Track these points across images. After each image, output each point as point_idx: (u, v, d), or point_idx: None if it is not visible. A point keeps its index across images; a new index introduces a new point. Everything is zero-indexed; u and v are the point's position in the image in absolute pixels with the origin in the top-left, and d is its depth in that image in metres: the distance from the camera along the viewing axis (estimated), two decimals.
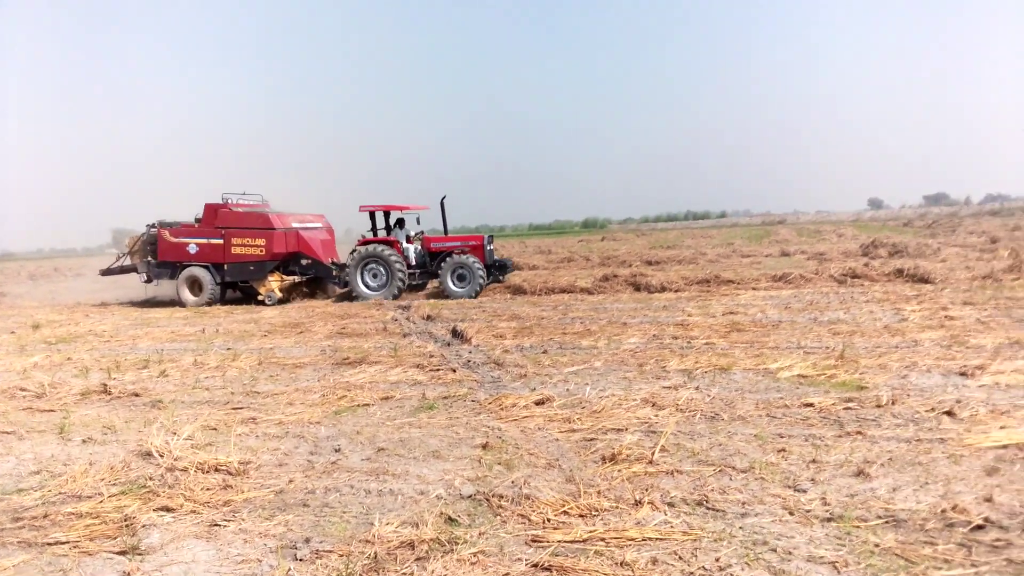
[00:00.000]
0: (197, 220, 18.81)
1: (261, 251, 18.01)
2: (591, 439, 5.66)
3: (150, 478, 5.18)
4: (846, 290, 14.45)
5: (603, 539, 3.88)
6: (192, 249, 18.37)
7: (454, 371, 8.44)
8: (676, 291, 15.80)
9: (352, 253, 17.65)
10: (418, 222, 18.76)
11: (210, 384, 8.41)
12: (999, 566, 3.41)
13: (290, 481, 5.03)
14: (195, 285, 18.38)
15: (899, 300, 12.46)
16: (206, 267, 18.28)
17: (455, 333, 11.24)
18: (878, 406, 6.10)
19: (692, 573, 3.49)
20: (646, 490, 4.53)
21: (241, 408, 7.18)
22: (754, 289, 15.34)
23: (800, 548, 3.68)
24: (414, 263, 18.05)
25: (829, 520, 3.99)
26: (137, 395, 7.99)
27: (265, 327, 13.20)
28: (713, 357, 8.44)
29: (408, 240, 18.41)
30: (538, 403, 6.74)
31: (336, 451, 5.67)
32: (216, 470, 5.29)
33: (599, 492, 4.54)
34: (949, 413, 5.79)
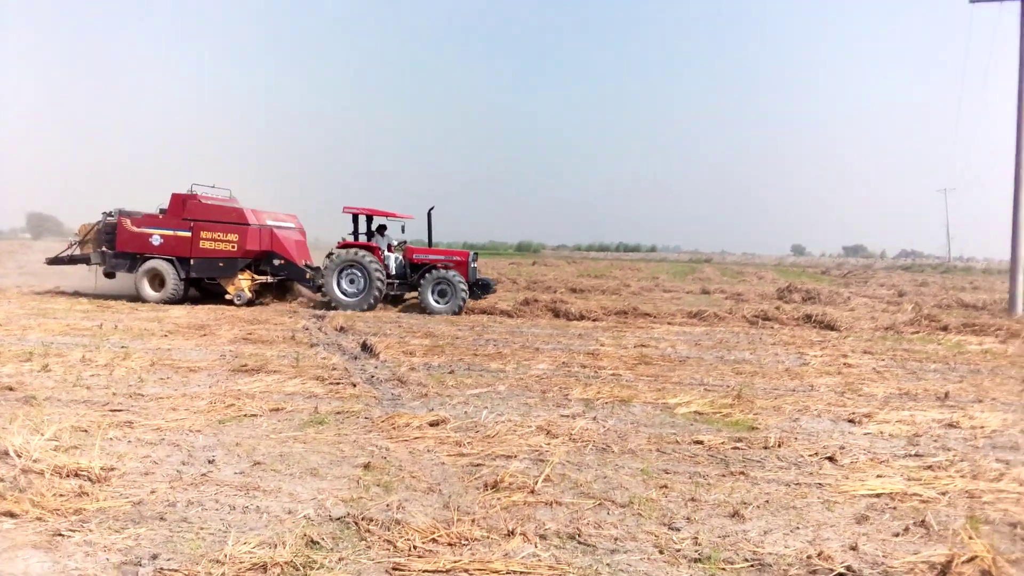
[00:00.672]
0: (161, 211, 17.69)
1: (233, 247, 17.10)
2: (478, 464, 5.55)
3: (0, 480, 4.82)
4: (756, 331, 14.80)
5: (467, 570, 3.76)
6: (155, 241, 17.31)
7: (354, 386, 8.22)
8: (594, 320, 15.91)
9: (329, 256, 16.88)
10: (403, 231, 18.04)
11: (93, 383, 7.97)
12: None
13: (152, 492, 4.75)
14: (156, 279, 17.35)
15: (804, 345, 12.80)
16: (170, 260, 17.26)
17: (364, 347, 11.01)
18: (765, 447, 6.18)
19: None
20: (522, 521, 4.44)
21: (120, 411, 6.81)
22: (669, 324, 15.56)
23: None
24: (394, 273, 17.45)
25: (697, 561, 3.97)
26: (11, 389, 7.50)
27: (168, 326, 12.68)
28: (616, 388, 8.46)
29: (389, 248, 17.78)
30: (432, 424, 6.59)
31: (209, 463, 5.39)
32: (75, 475, 4.96)
33: (474, 520, 4.42)
34: (831, 459, 5.89)
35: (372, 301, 16.64)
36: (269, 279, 17.87)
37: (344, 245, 17.08)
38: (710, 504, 4.83)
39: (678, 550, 4.10)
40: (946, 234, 78.46)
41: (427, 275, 16.90)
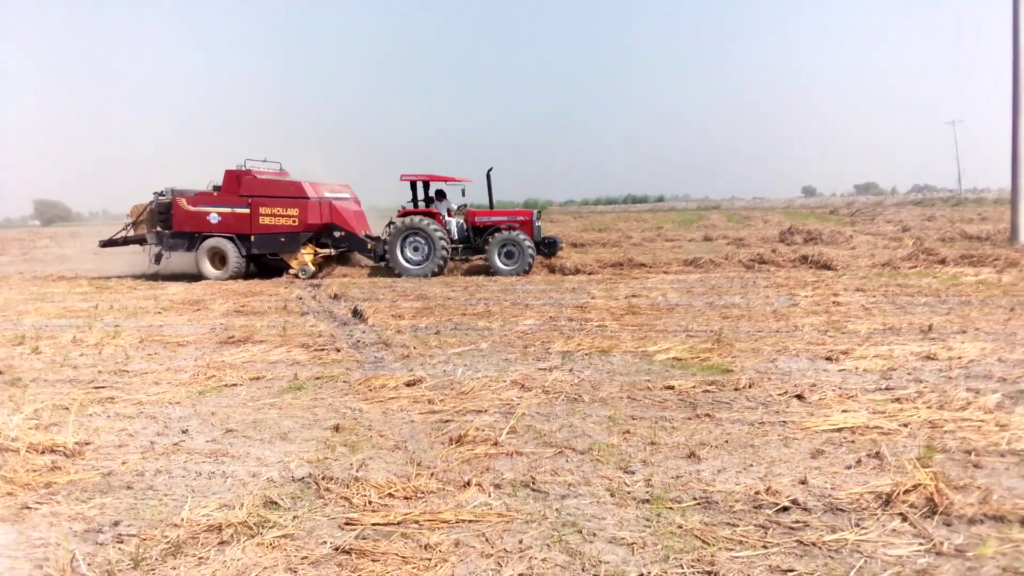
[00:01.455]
0: (215, 188, 17.60)
1: (294, 222, 16.89)
2: (447, 421, 5.63)
3: None
4: (751, 275, 14.76)
5: (417, 521, 3.85)
6: (214, 219, 17.14)
7: (338, 351, 8.32)
8: (589, 274, 15.92)
9: (389, 225, 16.80)
10: (463, 194, 17.78)
11: (80, 362, 8.11)
12: (788, 547, 3.49)
13: (123, 463, 4.87)
14: (217, 257, 17.22)
15: (797, 286, 12.76)
16: (230, 238, 17.09)
17: (355, 312, 11.10)
18: (736, 389, 6.22)
19: (491, 555, 3.48)
20: (480, 472, 4.52)
21: (103, 387, 6.94)
22: (664, 273, 15.55)
23: (606, 530, 3.71)
24: (456, 237, 17.22)
25: (646, 502, 4.04)
26: (0, 372, 7.66)
27: (164, 303, 12.82)
28: (599, 340, 8.50)
29: (449, 213, 17.60)
30: (408, 384, 6.68)
31: (183, 432, 5.51)
32: (51, 451, 5.08)
33: (433, 474, 4.51)
34: (799, 396, 5.93)
35: (437, 267, 16.51)
36: (331, 251, 17.66)
37: (405, 213, 16.95)
38: (669, 447, 4.89)
39: (629, 492, 4.17)
40: (956, 166, 77.33)
41: (492, 237, 16.67)
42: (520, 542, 3.60)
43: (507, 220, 17.23)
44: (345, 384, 6.86)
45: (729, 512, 3.88)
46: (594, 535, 3.66)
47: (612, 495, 4.15)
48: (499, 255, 16.52)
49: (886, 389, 6.09)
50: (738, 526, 3.71)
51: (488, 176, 17.40)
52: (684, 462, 4.62)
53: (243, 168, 17.49)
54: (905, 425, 5.14)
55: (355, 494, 4.21)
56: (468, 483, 4.32)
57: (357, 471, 4.57)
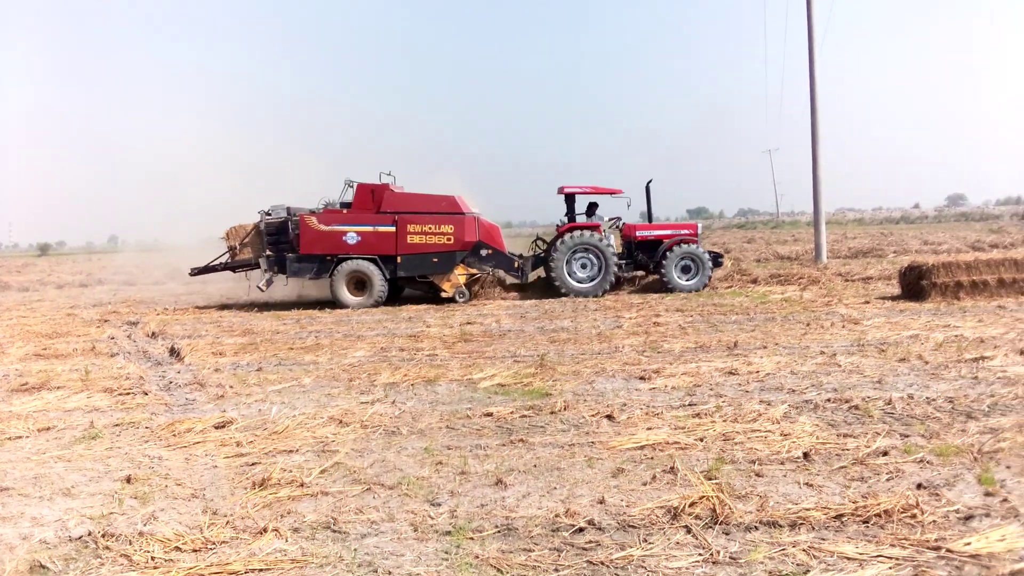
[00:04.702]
0: (344, 205, 15.81)
1: (449, 240, 15.41)
2: (254, 464, 5.36)
3: None
4: (582, 299, 15.27)
5: (203, 575, 3.62)
6: (351, 239, 15.34)
7: (146, 394, 7.77)
8: (428, 302, 15.87)
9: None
10: (628, 207, 16.64)
11: None
12: (579, 568, 3.57)
13: None
14: (357, 282, 15.47)
15: (623, 308, 13.35)
16: (373, 260, 15.39)
17: (172, 351, 10.44)
18: (552, 412, 6.35)
19: None
20: (280, 516, 4.33)
21: None
22: (502, 299, 15.78)
23: (403, 567, 3.64)
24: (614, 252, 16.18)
25: (447, 534, 4.01)
26: None
27: None
28: (426, 369, 8.46)
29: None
30: (217, 427, 6.32)
31: None
32: None
33: (228, 522, 4.27)
34: (609, 417, 6.14)
35: (609, 285, 15.77)
36: (475, 272, 15.98)
37: (569, 227, 16.03)
38: (479, 475, 4.90)
39: (432, 526, 4.12)
40: (774, 192, 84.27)
41: (671, 252, 15.92)
42: None
43: (672, 233, 16.65)
44: (147, 430, 6.39)
45: (528, 537, 3.92)
46: (389, 573, 3.58)
47: (415, 529, 4.09)
48: (677, 270, 15.90)
49: (689, 405, 6.43)
50: (533, 551, 3.75)
51: (647, 188, 16.76)
52: (491, 490, 4.64)
53: (382, 182, 15.98)
54: (701, 439, 5.44)
55: (137, 550, 3.91)
56: (264, 529, 4.12)
57: (144, 525, 4.25)
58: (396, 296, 16.05)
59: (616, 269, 15.85)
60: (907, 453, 4.93)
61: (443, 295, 15.66)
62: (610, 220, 16.91)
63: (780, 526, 3.90)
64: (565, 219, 16.54)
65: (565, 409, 6.41)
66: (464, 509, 4.34)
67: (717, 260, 16.81)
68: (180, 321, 14.19)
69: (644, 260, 16.42)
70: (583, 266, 15.84)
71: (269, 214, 15.98)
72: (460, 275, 15.69)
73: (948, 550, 3.53)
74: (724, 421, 5.85)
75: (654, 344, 9.46)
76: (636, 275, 16.94)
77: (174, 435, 6.18)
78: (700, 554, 3.64)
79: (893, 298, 13.07)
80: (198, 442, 5.98)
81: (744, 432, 5.54)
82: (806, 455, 4.96)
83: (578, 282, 15.77)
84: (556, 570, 3.55)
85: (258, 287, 15.99)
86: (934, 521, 3.86)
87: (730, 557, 3.59)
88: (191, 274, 17.36)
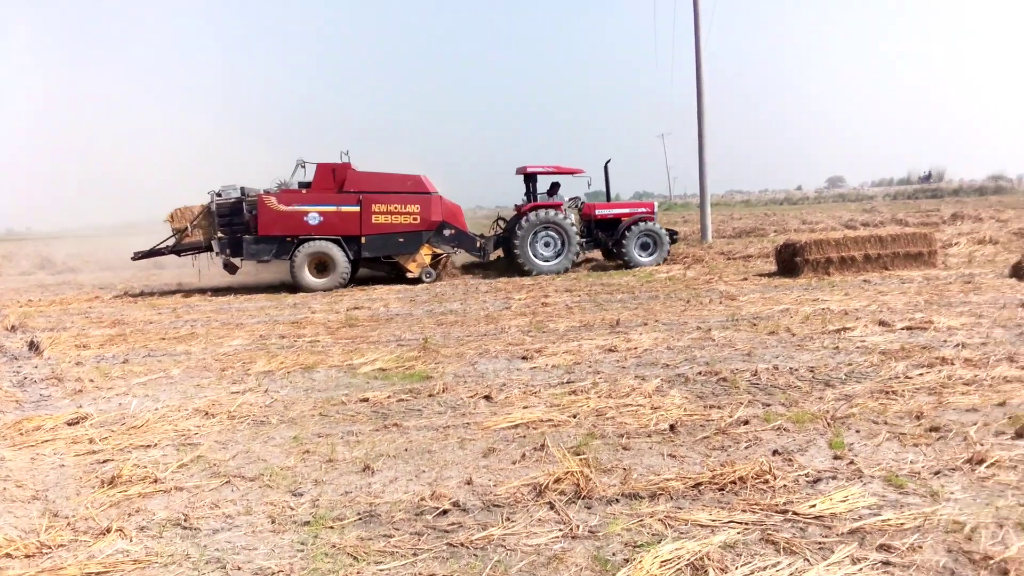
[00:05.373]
0: (303, 185, 15.14)
1: (415, 220, 15.22)
2: (106, 461, 5.04)
3: None
4: (475, 281, 15.24)
5: None
6: (313, 219, 14.85)
7: None
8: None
9: (523, 220, 15.78)
10: (588, 186, 16.75)
11: None
12: (438, 551, 3.50)
13: None
14: (319, 264, 14.99)
15: (514, 290, 13.38)
16: (336, 241, 14.92)
17: (31, 345, 9.73)
18: (430, 395, 6.27)
19: None
20: (128, 515, 4.07)
21: None
22: (393, 284, 15.54)
23: (254, 561, 3.48)
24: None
25: (306, 524, 3.86)
26: None
27: None
28: (305, 356, 8.20)
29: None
30: (70, 423, 5.91)
31: None
32: None
33: (70, 523, 3.98)
34: (487, 397, 6.10)
35: (571, 262, 16.03)
36: (452, 251, 15.97)
37: (532, 207, 16.03)
38: (347, 463, 4.76)
39: (291, 517, 3.97)
40: (667, 175, 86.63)
41: (630, 230, 16.24)
42: None
43: (629, 212, 16.91)
44: None
45: (389, 523, 3.83)
46: (239, 568, 3.41)
47: (273, 522, 3.92)
48: (637, 247, 16.28)
49: (567, 383, 6.47)
50: (394, 537, 3.66)
51: (606, 168, 16.97)
52: (357, 477, 4.51)
53: (344, 161, 15.33)
54: (575, 416, 5.47)
55: None
56: (108, 530, 3.85)
57: None
58: (352, 278, 15.71)
59: (579, 247, 16.21)
60: (767, 421, 5.11)
61: (408, 275, 15.52)
62: (570, 200, 17.15)
63: (640, 497, 3.95)
64: (525, 199, 16.73)
65: (444, 391, 6.33)
66: (327, 498, 4.19)
67: (673, 237, 17.36)
68: (45, 313, 13.27)
69: (603, 238, 16.85)
70: (546, 244, 16.10)
71: (220, 195, 15.37)
72: (426, 255, 15.63)
73: (794, 512, 3.66)
74: (599, 397, 5.91)
75: (540, 324, 9.50)
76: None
77: (21, 433, 5.73)
78: (560, 529, 3.64)
79: (770, 275, 13.62)
80: (47, 440, 5.57)
81: (617, 407, 5.60)
82: (672, 427, 5.06)
83: (543, 260, 16.02)
84: (415, 554, 3.47)
85: (226, 270, 15.70)
86: (784, 486, 4.00)
87: (589, 531, 3.61)
88: (133, 258, 16.40)
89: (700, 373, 6.53)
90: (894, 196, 55.25)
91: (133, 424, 5.81)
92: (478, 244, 16.43)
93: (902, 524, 3.50)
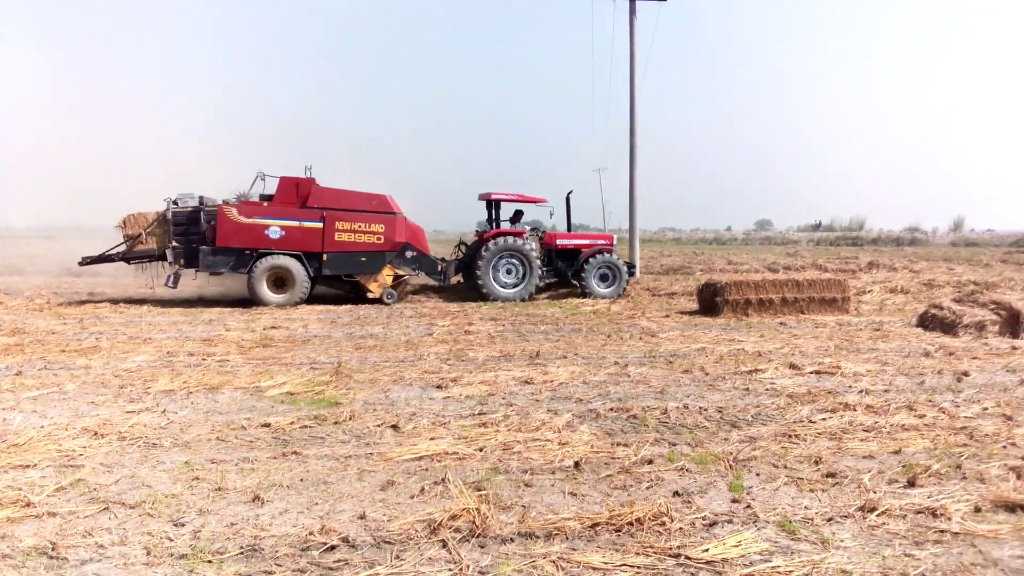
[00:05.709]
0: (264, 198, 14.81)
1: (378, 239, 15.06)
2: None
3: None
4: (400, 306, 15.05)
5: None
6: (274, 233, 14.53)
7: None
8: (234, 305, 15.02)
9: (486, 247, 15.74)
10: (551, 216, 16.82)
11: None
12: None
13: None
14: (277, 279, 14.65)
15: (439, 316, 13.25)
16: (297, 256, 14.62)
17: None
18: (336, 423, 6.09)
19: None
20: None
21: None
22: (315, 304, 15.22)
23: None
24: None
25: (183, 558, 3.66)
26: None
27: None
28: (212, 376, 7.90)
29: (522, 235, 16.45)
30: None
31: None
32: None
33: None
34: (395, 427, 5.96)
35: (533, 290, 16.07)
36: (402, 273, 15.68)
37: (496, 234, 16.03)
38: (237, 491, 4.56)
39: (169, 548, 3.75)
40: (602, 209, 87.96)
41: (590, 261, 16.45)
42: None
43: (590, 243, 17.05)
44: None
45: (272, 559, 3.65)
46: None
47: (148, 553, 3.70)
48: (596, 278, 16.46)
49: (479, 414, 6.38)
50: (274, 573, 3.50)
51: (568, 199, 17.14)
52: (245, 507, 4.31)
53: (309, 176, 15.04)
54: (481, 449, 5.39)
55: None
56: None
57: None
58: (309, 295, 15.26)
59: (540, 275, 16.26)
60: (671, 461, 5.12)
61: (369, 295, 15.27)
62: (531, 228, 17.21)
63: (536, 537, 3.88)
64: (487, 225, 16.76)
65: (350, 419, 6.17)
66: (210, 529, 3.99)
67: (631, 270, 17.58)
68: None
69: (563, 268, 17.03)
70: (508, 271, 16.08)
71: (176, 203, 14.81)
72: (388, 275, 15.43)
73: (687, 557, 3.65)
74: (508, 430, 5.84)
75: (459, 352, 9.41)
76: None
77: None
78: (450, 570, 3.54)
79: (691, 313, 13.86)
80: None
81: (525, 441, 5.54)
82: (577, 464, 5.02)
83: (502, 287, 16.00)
84: None
85: (166, 285, 14.78)
86: (681, 528, 4.00)
87: (479, 572, 3.51)
88: (80, 264, 15.52)
89: (612, 409, 6.53)
90: (817, 242, 57.29)
91: (14, 443, 5.46)
92: (439, 268, 16.31)
93: (790, 572, 3.52)
